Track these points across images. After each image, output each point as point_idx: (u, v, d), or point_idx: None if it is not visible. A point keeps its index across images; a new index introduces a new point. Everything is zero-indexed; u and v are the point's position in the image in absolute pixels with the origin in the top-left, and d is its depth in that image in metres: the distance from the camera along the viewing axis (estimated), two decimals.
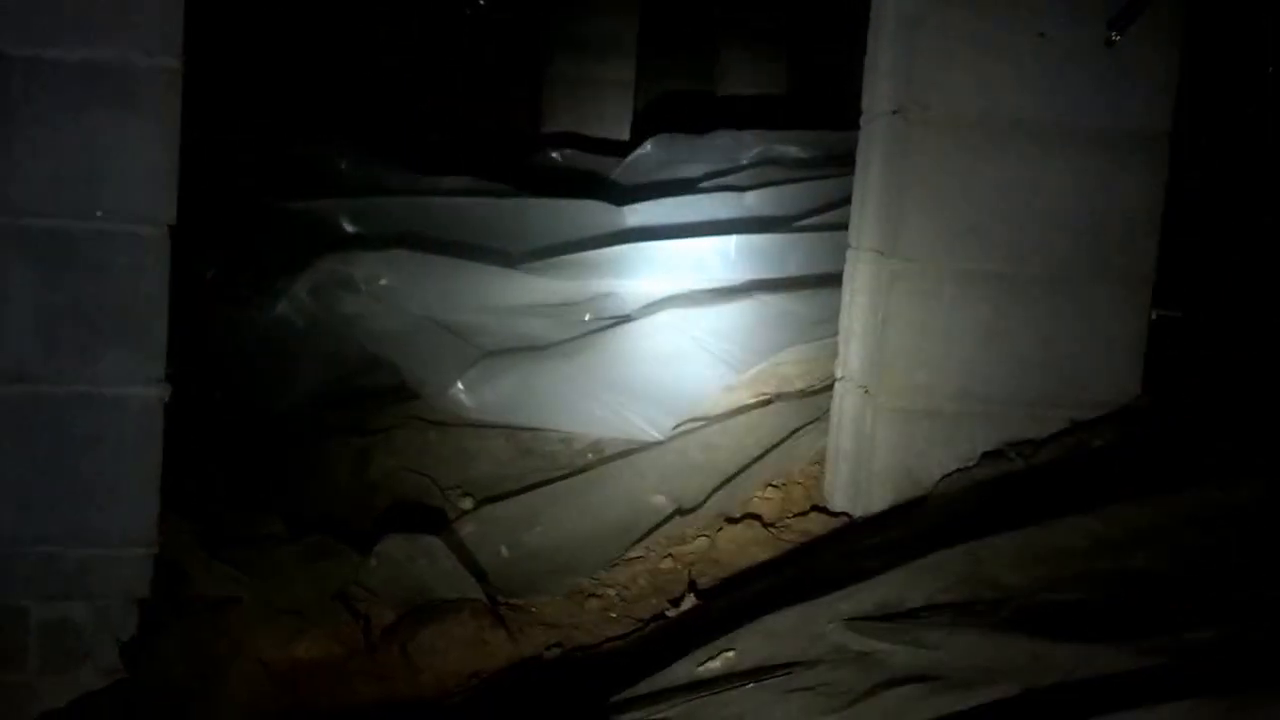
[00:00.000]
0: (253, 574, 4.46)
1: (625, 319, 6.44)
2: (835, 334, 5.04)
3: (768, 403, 5.78)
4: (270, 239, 6.72)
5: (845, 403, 4.87)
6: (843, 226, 5.05)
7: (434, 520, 5.13)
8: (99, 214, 3.86)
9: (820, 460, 5.06)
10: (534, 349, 6.14)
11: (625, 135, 11.45)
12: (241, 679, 4.14)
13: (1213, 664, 2.58)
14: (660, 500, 5.20)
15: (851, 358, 4.84)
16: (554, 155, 9.79)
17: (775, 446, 5.31)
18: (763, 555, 4.67)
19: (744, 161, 8.66)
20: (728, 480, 5.20)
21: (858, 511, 4.69)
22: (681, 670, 3.43)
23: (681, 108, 12.39)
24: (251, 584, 4.40)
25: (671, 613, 4.45)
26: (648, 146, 9.32)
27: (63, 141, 3.82)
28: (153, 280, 3.94)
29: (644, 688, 3.40)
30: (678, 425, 5.71)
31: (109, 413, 3.95)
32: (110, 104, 3.84)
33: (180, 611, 4.21)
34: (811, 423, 5.31)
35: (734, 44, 12.88)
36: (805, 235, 7.25)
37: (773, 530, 4.81)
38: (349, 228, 6.95)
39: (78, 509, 3.96)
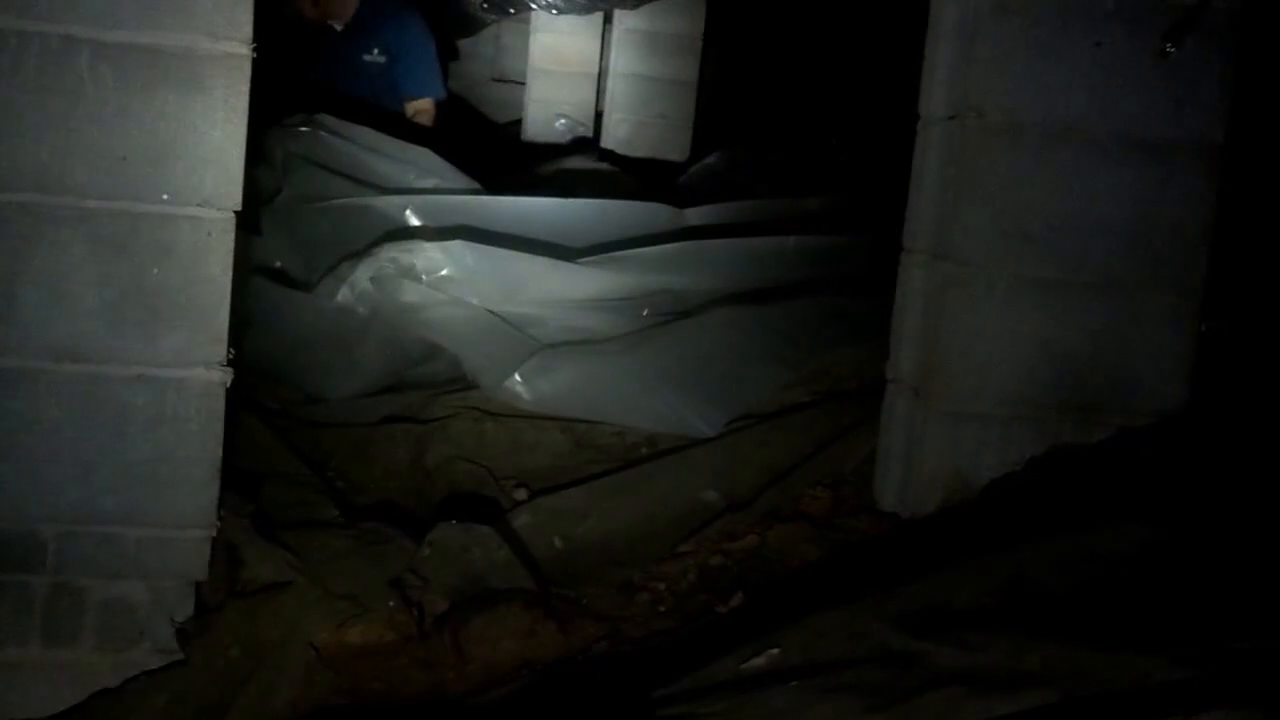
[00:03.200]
0: (306, 559, 4.50)
1: (682, 315, 6.44)
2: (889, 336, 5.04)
3: (821, 402, 5.78)
4: (334, 232, 6.74)
5: (896, 404, 4.89)
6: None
7: (488, 510, 5.14)
8: (164, 197, 3.89)
9: (871, 460, 5.07)
10: (591, 343, 6.15)
11: (687, 134, 11.52)
12: (294, 662, 4.17)
13: (1250, 673, 2.60)
14: (712, 496, 5.20)
15: (903, 360, 4.85)
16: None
17: (827, 446, 5.32)
18: (812, 554, 4.69)
19: (803, 164, 8.72)
20: (779, 478, 5.20)
21: (907, 512, 4.70)
22: (726, 667, 3.45)
23: (744, 108, 12.45)
24: (305, 568, 4.43)
25: (720, 609, 4.47)
26: (712, 157, 9.46)
27: (128, 125, 3.84)
28: (216, 265, 3.96)
29: (688, 683, 3.42)
30: (731, 422, 5.70)
31: (169, 395, 3.97)
32: (176, 88, 3.86)
33: (234, 594, 4.26)
34: (863, 423, 5.30)
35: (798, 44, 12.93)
36: (862, 237, 7.25)
37: (822, 529, 4.83)
38: (412, 221, 6.98)
39: (136, 490, 4.00)
